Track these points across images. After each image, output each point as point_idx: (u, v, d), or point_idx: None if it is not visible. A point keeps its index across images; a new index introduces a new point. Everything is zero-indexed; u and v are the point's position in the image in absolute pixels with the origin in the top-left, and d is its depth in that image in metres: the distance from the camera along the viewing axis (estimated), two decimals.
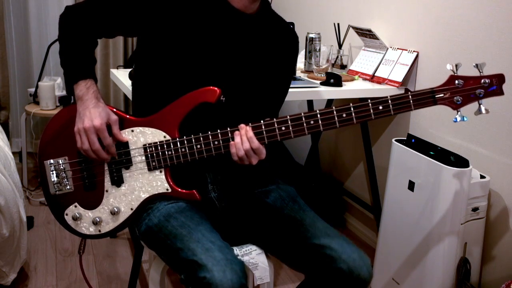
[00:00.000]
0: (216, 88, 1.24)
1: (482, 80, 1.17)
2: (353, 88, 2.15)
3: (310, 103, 2.71)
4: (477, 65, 1.18)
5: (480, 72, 1.18)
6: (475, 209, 1.77)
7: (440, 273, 1.77)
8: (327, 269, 1.21)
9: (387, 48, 2.26)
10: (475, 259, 1.83)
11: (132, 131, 1.30)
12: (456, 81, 1.18)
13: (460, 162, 1.71)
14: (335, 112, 1.20)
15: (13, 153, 2.35)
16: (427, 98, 1.18)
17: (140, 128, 1.29)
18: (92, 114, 1.25)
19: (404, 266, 1.89)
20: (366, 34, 2.31)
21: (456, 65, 1.19)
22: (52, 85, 2.93)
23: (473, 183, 1.74)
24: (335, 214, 2.77)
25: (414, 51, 2.13)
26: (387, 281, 1.98)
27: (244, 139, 1.21)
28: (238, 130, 1.22)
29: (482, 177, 1.79)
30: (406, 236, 1.86)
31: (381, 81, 2.21)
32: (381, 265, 2.03)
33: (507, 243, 1.80)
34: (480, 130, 1.86)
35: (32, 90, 3.07)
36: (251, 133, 1.21)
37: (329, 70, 2.22)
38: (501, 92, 1.18)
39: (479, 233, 1.83)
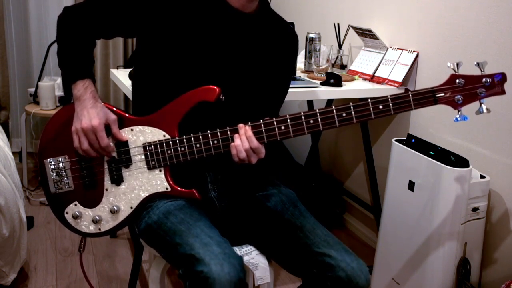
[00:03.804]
0: (215, 87, 1.24)
1: (484, 79, 1.16)
2: (353, 88, 2.15)
3: (310, 103, 2.71)
4: (478, 63, 1.17)
5: (481, 71, 1.17)
6: (475, 209, 1.77)
7: (440, 273, 1.77)
8: (326, 277, 1.21)
9: (387, 48, 2.26)
10: (475, 259, 1.83)
11: (132, 130, 1.29)
12: (457, 80, 1.17)
13: (460, 162, 1.71)
14: (335, 112, 1.19)
15: (13, 153, 2.35)
16: (427, 98, 1.18)
17: (140, 127, 1.29)
18: (91, 114, 1.25)
19: (404, 266, 1.88)
20: (366, 34, 2.31)
21: (457, 64, 1.18)
22: (52, 85, 2.93)
23: (473, 183, 1.74)
24: (335, 214, 2.77)
25: (414, 51, 2.13)
26: (387, 281, 1.98)
27: (243, 139, 1.20)
28: (237, 129, 1.22)
29: (482, 177, 1.79)
30: (406, 236, 1.86)
31: (381, 81, 2.21)
32: (381, 265, 2.02)
33: (507, 243, 1.80)
34: (480, 130, 1.86)
35: (32, 90, 3.07)
36: (250, 133, 1.21)
37: (329, 70, 2.22)
38: (502, 91, 1.17)
39: (479, 233, 1.82)
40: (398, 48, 2.22)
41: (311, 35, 2.32)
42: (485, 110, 1.18)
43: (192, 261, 1.12)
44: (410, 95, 1.17)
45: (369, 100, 1.18)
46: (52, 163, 1.33)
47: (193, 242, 1.15)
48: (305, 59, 2.38)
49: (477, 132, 1.87)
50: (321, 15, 2.86)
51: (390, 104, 1.18)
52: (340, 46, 2.47)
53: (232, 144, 1.22)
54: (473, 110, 1.20)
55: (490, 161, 1.82)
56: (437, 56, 2.04)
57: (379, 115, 1.19)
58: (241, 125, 1.22)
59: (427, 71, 2.10)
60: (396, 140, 1.94)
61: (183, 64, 1.31)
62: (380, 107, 1.18)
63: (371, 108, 1.18)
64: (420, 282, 1.82)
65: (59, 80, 3.01)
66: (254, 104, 1.38)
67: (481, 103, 1.19)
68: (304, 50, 2.38)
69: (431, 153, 1.79)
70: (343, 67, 2.45)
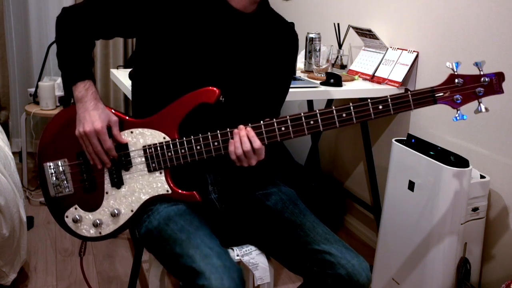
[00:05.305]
0: (215, 89, 1.23)
1: (482, 79, 1.17)
2: (353, 88, 2.15)
3: (310, 103, 2.71)
4: (476, 63, 1.17)
5: (480, 71, 1.18)
6: (475, 209, 1.77)
7: (440, 273, 1.77)
8: (326, 274, 1.21)
9: (387, 48, 2.26)
10: (475, 259, 1.83)
11: (132, 132, 1.29)
12: (456, 80, 1.17)
13: (460, 162, 1.71)
14: (335, 112, 1.19)
15: (13, 153, 2.35)
16: (427, 97, 1.18)
17: (140, 129, 1.29)
18: (92, 117, 1.25)
19: (404, 266, 1.88)
20: (366, 34, 2.31)
21: (456, 64, 1.18)
22: (52, 85, 2.93)
23: (473, 183, 1.74)
24: (335, 214, 2.77)
25: (414, 51, 2.13)
26: (387, 281, 1.98)
27: (245, 140, 1.20)
28: (237, 129, 1.22)
29: (482, 177, 1.79)
30: (406, 236, 1.86)
31: (381, 81, 2.21)
32: (381, 265, 2.02)
33: (507, 243, 1.80)
34: (480, 130, 1.86)
35: (32, 90, 3.07)
36: (252, 133, 1.20)
37: (329, 70, 2.22)
38: (501, 90, 1.18)
39: (479, 233, 1.82)
40: (398, 48, 2.22)
41: (311, 35, 2.32)
42: (483, 109, 1.19)
43: (193, 274, 1.11)
44: (410, 95, 1.18)
45: (369, 100, 1.18)
46: (52, 166, 1.33)
47: (193, 253, 1.14)
48: (305, 59, 2.38)
49: (477, 132, 1.87)
50: (321, 15, 2.86)
51: (390, 104, 1.18)
52: (340, 46, 2.47)
53: (231, 140, 1.21)
54: (472, 110, 1.20)
55: (490, 161, 1.82)
56: (437, 56, 2.03)
57: (379, 115, 1.19)
58: (241, 126, 1.22)
59: (427, 71, 2.10)
60: (396, 140, 1.94)
61: (183, 65, 1.30)
62: (380, 107, 1.18)
63: (371, 108, 1.18)
64: (420, 282, 1.82)
65: (59, 80, 3.01)
66: (254, 105, 1.38)
67: (479, 103, 1.19)
68: (304, 50, 2.38)
69: (431, 153, 1.79)
70: (343, 67, 2.45)
